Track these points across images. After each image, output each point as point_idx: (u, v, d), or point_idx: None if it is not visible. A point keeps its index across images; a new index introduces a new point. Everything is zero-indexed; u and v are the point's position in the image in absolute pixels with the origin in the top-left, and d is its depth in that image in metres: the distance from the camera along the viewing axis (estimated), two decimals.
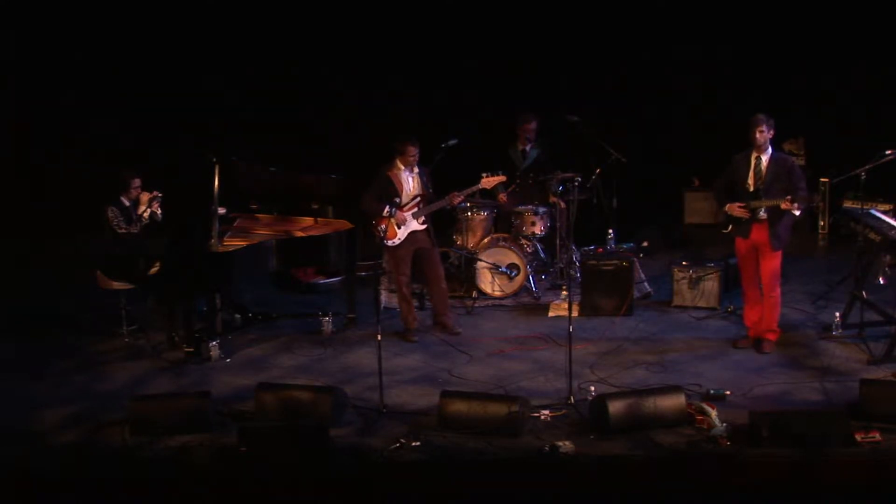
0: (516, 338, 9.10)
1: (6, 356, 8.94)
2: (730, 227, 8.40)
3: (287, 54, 12.36)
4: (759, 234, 8.32)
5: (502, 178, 9.31)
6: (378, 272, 8.21)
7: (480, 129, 11.25)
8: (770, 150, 8.28)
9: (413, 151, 8.86)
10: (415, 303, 9.32)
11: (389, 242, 8.96)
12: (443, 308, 9.22)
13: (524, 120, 10.56)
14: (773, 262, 8.37)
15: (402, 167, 8.95)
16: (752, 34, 11.90)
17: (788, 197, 8.07)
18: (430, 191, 9.06)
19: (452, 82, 12.27)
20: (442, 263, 9.39)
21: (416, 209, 8.97)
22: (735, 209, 8.27)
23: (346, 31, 12.33)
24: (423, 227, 9.03)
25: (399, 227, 8.95)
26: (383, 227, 8.91)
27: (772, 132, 8.23)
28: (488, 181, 9.15)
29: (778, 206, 8.14)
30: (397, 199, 8.89)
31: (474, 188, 9.15)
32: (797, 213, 8.21)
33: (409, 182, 9.00)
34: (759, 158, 8.26)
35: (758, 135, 8.17)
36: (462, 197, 9.12)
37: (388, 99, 12.43)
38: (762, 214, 8.25)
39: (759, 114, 8.21)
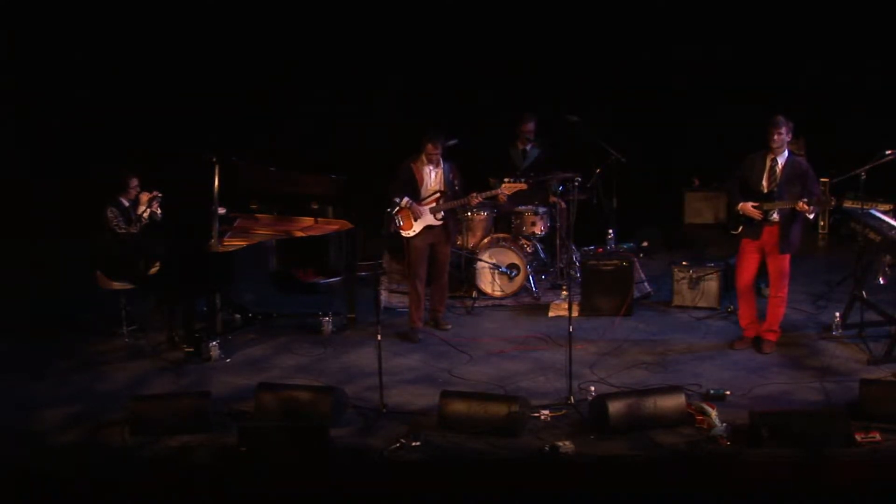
0: (516, 338, 9.09)
1: (6, 356, 8.93)
2: (740, 227, 8.38)
3: (287, 54, 12.35)
4: (769, 236, 8.30)
5: (523, 187, 9.36)
6: (378, 272, 8.20)
7: (481, 129, 11.25)
8: (786, 152, 8.26)
9: (431, 149, 8.92)
10: None
11: (404, 233, 9.04)
12: (438, 304, 9.32)
13: (522, 120, 10.56)
14: (781, 262, 8.36)
15: (426, 162, 9.01)
16: (752, 34, 11.89)
17: (804, 199, 8.05)
18: (457, 188, 9.09)
19: (452, 82, 12.26)
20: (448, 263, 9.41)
21: (433, 204, 9.01)
22: (748, 209, 8.25)
23: (347, 31, 12.32)
24: (440, 222, 9.06)
25: (415, 220, 8.99)
26: (400, 217, 8.97)
27: (790, 135, 8.22)
28: (509, 187, 9.24)
29: (791, 209, 8.13)
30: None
31: (494, 192, 9.22)
32: (811, 216, 8.20)
33: (431, 176, 9.05)
34: (774, 160, 8.24)
35: (776, 136, 8.14)
36: (481, 198, 9.16)
37: (388, 99, 12.42)
38: (774, 216, 8.24)
39: (778, 115, 8.18)
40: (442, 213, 9.05)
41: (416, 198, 9.01)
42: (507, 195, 9.46)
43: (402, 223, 9.03)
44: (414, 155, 9.06)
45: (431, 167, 9.04)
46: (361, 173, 9.98)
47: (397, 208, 8.98)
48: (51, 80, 12.35)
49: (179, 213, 9.32)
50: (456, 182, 9.11)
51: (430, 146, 8.91)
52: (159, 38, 12.22)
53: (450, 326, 9.29)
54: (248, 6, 12.25)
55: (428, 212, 9.03)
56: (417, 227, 9.03)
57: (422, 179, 9.04)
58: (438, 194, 9.05)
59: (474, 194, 9.09)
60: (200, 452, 7.06)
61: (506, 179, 9.33)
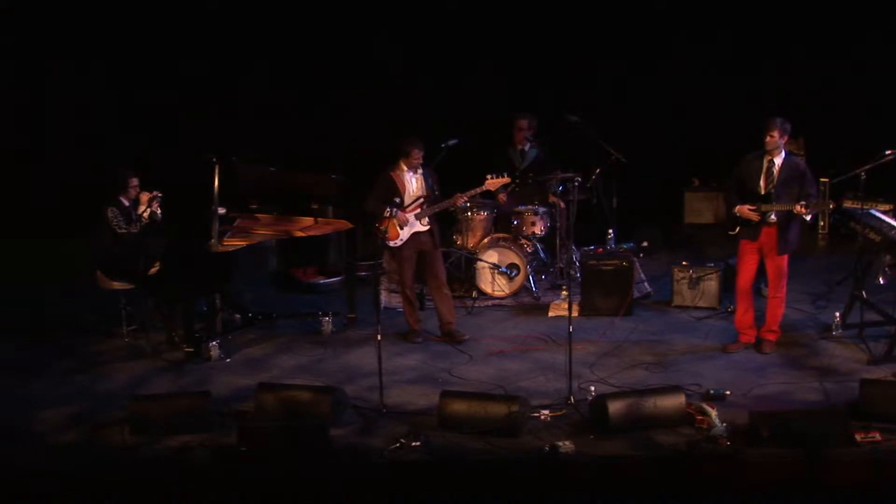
0: (516, 338, 9.09)
1: (6, 356, 8.93)
2: (737, 228, 8.36)
3: (287, 54, 12.36)
4: (767, 237, 8.29)
5: (506, 181, 9.26)
6: (378, 272, 8.20)
7: (480, 129, 11.24)
8: (783, 153, 8.24)
9: (417, 154, 8.81)
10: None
11: (391, 243, 8.94)
12: (449, 316, 9.09)
13: (515, 119, 10.55)
14: (780, 262, 8.34)
15: (406, 168, 8.91)
16: (753, 34, 11.90)
17: (802, 202, 8.04)
18: (437, 192, 9.00)
19: (452, 82, 12.27)
20: (444, 265, 9.31)
21: (418, 210, 8.93)
22: (745, 211, 8.25)
23: (347, 30, 12.32)
24: (426, 228, 8.95)
25: (401, 228, 8.91)
26: (385, 227, 8.90)
27: (785, 137, 8.17)
28: (493, 182, 9.09)
29: (789, 211, 8.12)
30: (397, 200, 8.87)
31: (478, 189, 9.07)
32: (808, 218, 8.19)
33: (413, 183, 8.95)
34: (771, 161, 8.22)
35: (768, 139, 8.12)
36: (465, 198, 9.05)
37: (387, 98, 12.42)
38: (772, 217, 8.23)
39: (775, 117, 8.14)
40: (427, 218, 8.95)
41: (400, 205, 8.89)
42: (493, 190, 9.39)
43: (388, 233, 8.89)
44: (392, 164, 8.92)
45: (412, 173, 8.92)
46: (362, 173, 9.96)
47: (382, 218, 8.86)
48: (50, 80, 12.36)
49: (179, 213, 9.31)
50: (435, 186, 9.01)
51: (416, 151, 8.78)
52: (159, 38, 12.22)
53: (467, 337, 9.04)
54: (249, 5, 12.25)
55: (413, 218, 8.91)
56: (404, 234, 8.90)
57: (404, 186, 8.90)
58: (422, 200, 8.93)
59: (458, 195, 8.97)
60: (200, 452, 7.06)
61: (488, 176, 9.22)
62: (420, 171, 8.96)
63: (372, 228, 9.03)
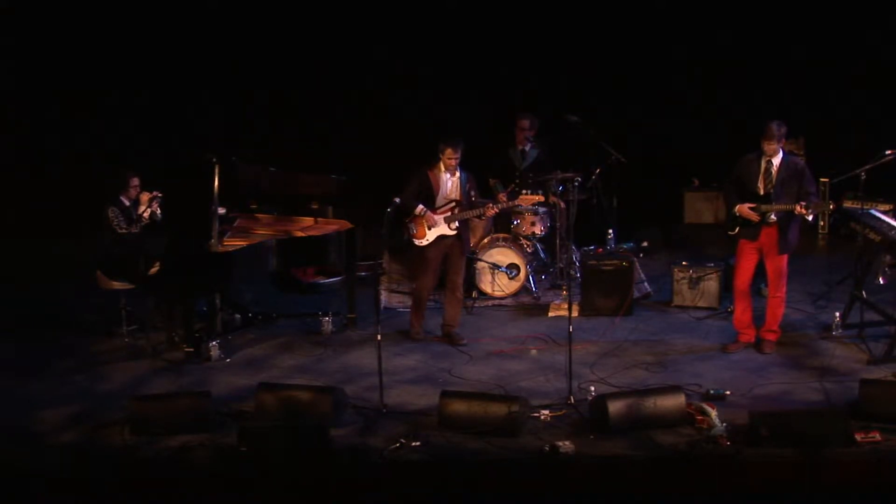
0: (516, 337, 9.09)
1: (6, 356, 8.93)
2: (737, 228, 8.36)
3: (288, 54, 12.36)
4: (767, 237, 8.29)
5: (540, 199, 9.31)
6: (378, 272, 8.18)
7: (480, 129, 11.24)
8: (781, 153, 8.24)
9: (451, 154, 8.70)
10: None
11: (416, 242, 8.89)
12: (452, 319, 9.07)
13: (517, 119, 10.56)
14: (779, 262, 8.35)
15: (443, 169, 8.83)
16: (753, 33, 11.90)
17: (802, 203, 8.05)
18: (473, 199, 8.92)
19: (452, 82, 12.27)
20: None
21: (448, 214, 8.86)
22: (745, 211, 8.24)
23: (347, 31, 12.32)
24: (454, 232, 8.86)
25: (429, 229, 8.86)
26: (414, 225, 8.87)
27: (782, 141, 8.17)
28: (526, 199, 9.16)
29: (789, 211, 8.12)
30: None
31: (511, 203, 9.13)
32: (809, 217, 8.19)
33: (448, 185, 8.86)
34: (770, 162, 8.22)
35: (765, 146, 8.13)
36: (497, 210, 9.05)
37: (387, 98, 12.43)
38: (772, 218, 8.23)
39: (772, 123, 8.12)
40: (456, 223, 8.87)
41: (431, 206, 8.81)
42: (502, 194, 9.42)
43: (415, 231, 8.84)
44: (431, 161, 8.85)
45: (448, 175, 8.83)
46: (362, 173, 9.97)
47: (412, 216, 8.81)
48: (51, 81, 12.37)
49: (179, 213, 9.31)
50: (472, 192, 8.93)
51: (449, 151, 8.67)
52: (158, 38, 12.22)
53: (465, 342, 8.99)
54: (249, 6, 12.25)
55: (442, 221, 8.83)
56: (431, 235, 8.85)
57: (438, 187, 8.82)
58: (454, 203, 8.87)
59: (490, 205, 8.95)
60: (200, 452, 7.06)
61: (524, 192, 9.22)
62: (458, 174, 8.86)
63: (387, 218, 8.95)
